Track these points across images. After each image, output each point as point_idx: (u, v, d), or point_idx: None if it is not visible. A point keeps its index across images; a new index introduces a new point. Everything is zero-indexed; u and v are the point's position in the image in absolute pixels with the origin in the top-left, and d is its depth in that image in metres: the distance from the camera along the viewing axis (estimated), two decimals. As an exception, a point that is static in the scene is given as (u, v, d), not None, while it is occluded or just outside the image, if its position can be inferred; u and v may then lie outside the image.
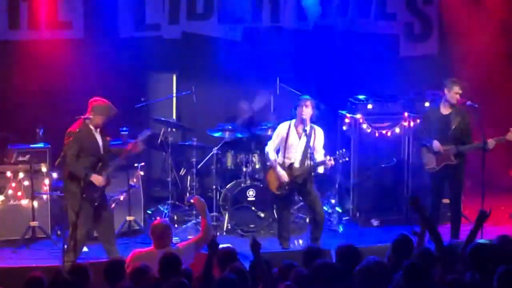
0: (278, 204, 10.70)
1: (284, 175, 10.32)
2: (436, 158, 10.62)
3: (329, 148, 10.71)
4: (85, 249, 10.02)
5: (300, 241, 11.00)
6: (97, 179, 9.67)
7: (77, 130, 9.68)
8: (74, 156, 9.62)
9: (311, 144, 10.19)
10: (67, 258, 9.45)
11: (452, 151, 10.49)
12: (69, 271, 7.03)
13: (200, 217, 11.72)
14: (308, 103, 10.21)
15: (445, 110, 10.59)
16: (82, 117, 9.70)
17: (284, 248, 10.38)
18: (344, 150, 10.40)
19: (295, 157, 10.32)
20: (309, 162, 10.12)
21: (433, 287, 6.57)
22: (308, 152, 10.16)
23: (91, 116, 9.68)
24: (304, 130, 10.17)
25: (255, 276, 6.90)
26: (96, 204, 9.73)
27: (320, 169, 10.40)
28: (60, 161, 9.78)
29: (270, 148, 10.49)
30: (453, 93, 10.46)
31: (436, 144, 10.54)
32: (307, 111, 10.19)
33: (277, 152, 10.51)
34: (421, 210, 7.37)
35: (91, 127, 9.72)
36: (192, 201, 8.81)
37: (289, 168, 10.34)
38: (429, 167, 10.76)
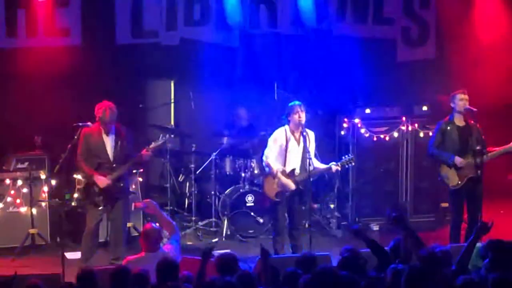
0: (274, 211, 10.42)
1: (290, 184, 10.12)
2: (458, 173, 10.26)
3: (327, 153, 10.72)
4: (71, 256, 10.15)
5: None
6: (100, 179, 9.81)
7: (88, 131, 9.89)
8: (81, 156, 9.87)
9: (307, 148, 10.15)
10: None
11: (474, 164, 10.14)
12: (76, 276, 7.07)
13: (198, 222, 11.82)
14: (303, 107, 10.19)
15: (460, 122, 10.32)
16: (81, 124, 9.84)
17: (278, 254, 10.28)
18: (350, 155, 10.37)
19: (295, 163, 10.22)
20: (308, 167, 10.08)
21: None
22: (307, 157, 10.13)
23: (88, 123, 9.85)
24: (303, 135, 10.13)
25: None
26: (100, 208, 9.91)
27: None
28: (59, 168, 9.85)
29: (270, 158, 10.21)
30: (458, 101, 10.23)
31: (458, 159, 10.21)
32: (303, 116, 10.17)
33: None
34: (407, 227, 7.41)
35: (102, 130, 9.92)
36: (141, 205, 9.00)
37: (291, 174, 10.23)
38: (453, 184, 10.29)
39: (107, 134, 9.95)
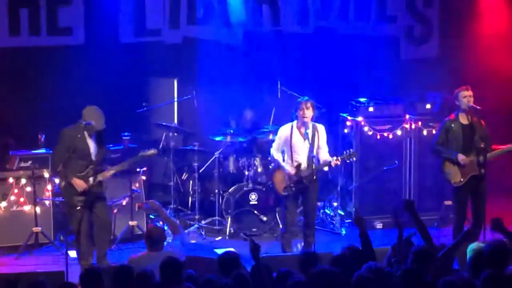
0: (283, 207, 10.52)
1: (291, 170, 10.17)
2: (461, 171, 10.23)
3: (330, 152, 10.69)
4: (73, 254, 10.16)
5: (299, 246, 10.93)
6: (77, 183, 9.78)
7: (71, 130, 9.85)
8: (60, 153, 9.84)
9: (315, 144, 10.16)
10: (83, 262, 9.88)
11: (477, 161, 10.06)
12: (82, 275, 7.07)
13: (201, 220, 11.82)
14: (309, 104, 10.16)
15: (464, 120, 10.29)
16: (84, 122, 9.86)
17: (285, 252, 10.32)
18: (352, 150, 10.36)
19: (301, 159, 10.24)
20: (312, 164, 10.09)
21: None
22: (312, 153, 10.15)
23: (91, 122, 9.84)
24: (306, 133, 10.13)
25: (256, 280, 6.92)
26: (78, 208, 9.82)
27: (325, 168, 10.43)
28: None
29: (274, 149, 10.39)
30: (462, 98, 10.21)
31: (461, 156, 10.18)
32: (309, 113, 10.15)
33: (282, 154, 10.39)
34: (415, 214, 7.44)
35: (85, 133, 9.85)
36: (144, 206, 9.04)
37: (297, 168, 10.24)
38: (455, 181, 10.28)
39: (90, 137, 9.91)
